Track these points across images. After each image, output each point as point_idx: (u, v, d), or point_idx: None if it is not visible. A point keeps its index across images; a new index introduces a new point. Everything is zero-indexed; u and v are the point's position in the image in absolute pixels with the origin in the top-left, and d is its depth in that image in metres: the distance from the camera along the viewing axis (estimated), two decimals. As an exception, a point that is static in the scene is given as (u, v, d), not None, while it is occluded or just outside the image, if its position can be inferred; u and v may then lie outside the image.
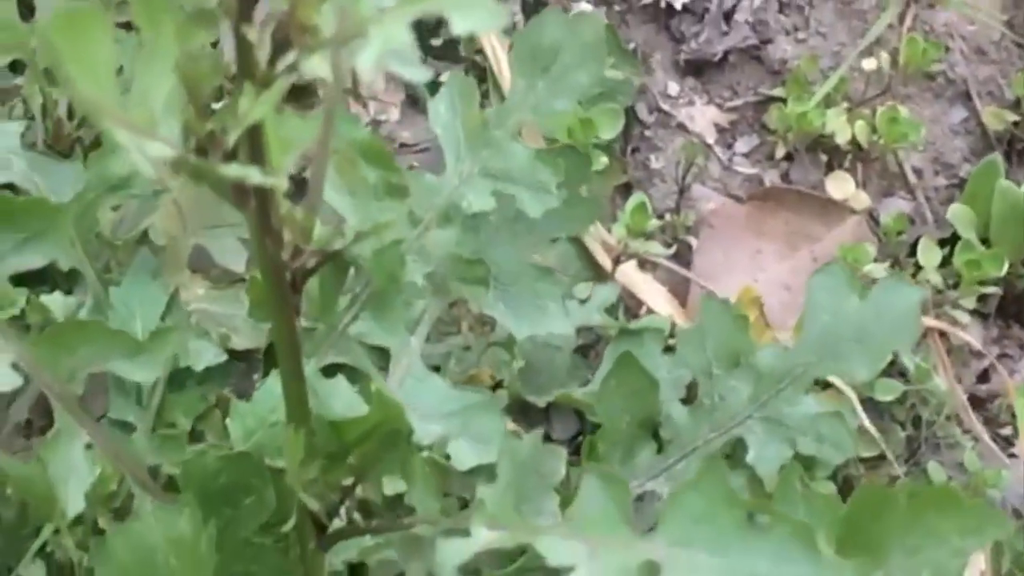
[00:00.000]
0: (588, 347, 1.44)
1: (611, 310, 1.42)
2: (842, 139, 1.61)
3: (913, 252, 1.58)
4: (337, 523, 1.03)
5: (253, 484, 1.01)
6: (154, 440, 1.00)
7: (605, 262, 1.54)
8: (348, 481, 0.98)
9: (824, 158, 1.65)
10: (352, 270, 1.24)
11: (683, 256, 1.61)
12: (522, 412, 1.36)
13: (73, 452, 0.98)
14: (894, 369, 1.47)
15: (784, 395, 1.23)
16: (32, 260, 1.04)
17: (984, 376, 1.54)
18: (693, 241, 1.61)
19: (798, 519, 0.82)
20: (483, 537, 0.89)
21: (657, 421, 1.27)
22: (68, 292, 1.26)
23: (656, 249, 1.54)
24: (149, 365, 0.99)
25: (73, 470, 0.97)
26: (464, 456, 1.21)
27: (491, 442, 1.22)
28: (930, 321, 1.49)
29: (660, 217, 1.61)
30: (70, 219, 1.04)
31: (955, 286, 1.52)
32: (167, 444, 1.00)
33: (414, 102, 1.64)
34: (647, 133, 1.67)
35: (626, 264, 1.55)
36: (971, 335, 1.54)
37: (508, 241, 1.28)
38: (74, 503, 0.95)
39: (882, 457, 1.47)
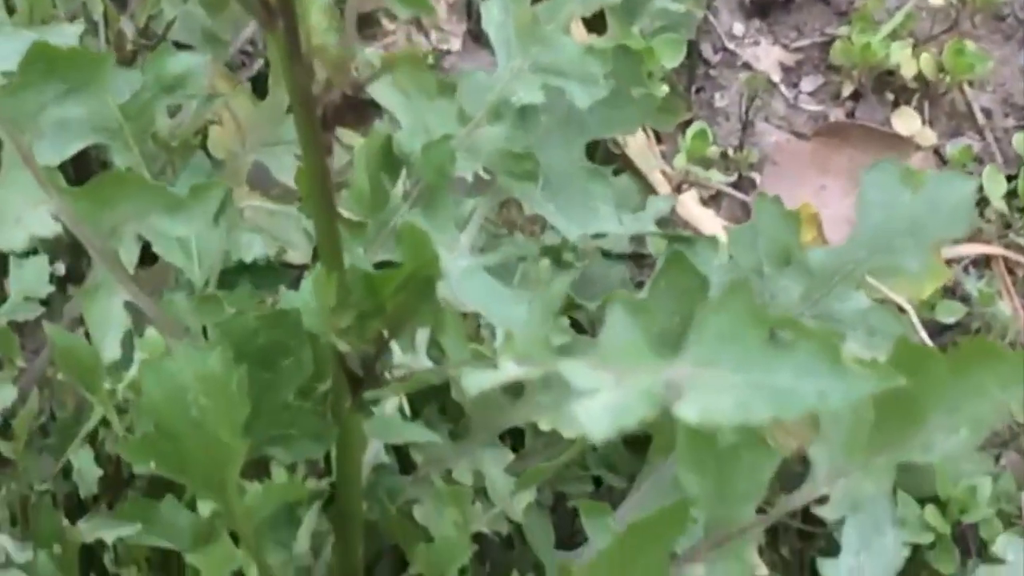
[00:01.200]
0: (642, 258, 1.43)
1: (666, 226, 1.41)
2: (908, 73, 1.59)
3: (979, 186, 1.55)
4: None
5: (291, 345, 1.01)
6: (193, 301, 1.01)
7: (666, 192, 1.53)
8: (383, 332, 0.97)
9: (891, 96, 1.64)
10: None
11: (746, 193, 1.60)
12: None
13: (112, 306, 0.99)
14: (957, 295, 1.45)
15: (836, 292, 1.21)
16: (73, 111, 1.05)
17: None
18: (757, 178, 1.60)
19: (824, 332, 0.80)
20: (509, 370, 0.88)
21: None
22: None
23: (717, 177, 1.53)
24: (189, 220, 1.00)
25: (111, 322, 0.98)
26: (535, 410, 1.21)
27: (565, 399, 1.21)
28: (995, 248, 1.47)
29: (724, 156, 1.60)
30: (110, 70, 1.05)
31: (1021, 212, 1.49)
32: (206, 305, 1.00)
33: (476, 37, 1.64)
34: (712, 72, 1.67)
35: (687, 197, 1.54)
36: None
37: (559, 142, 1.27)
38: (110, 350, 0.96)
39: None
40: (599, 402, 0.81)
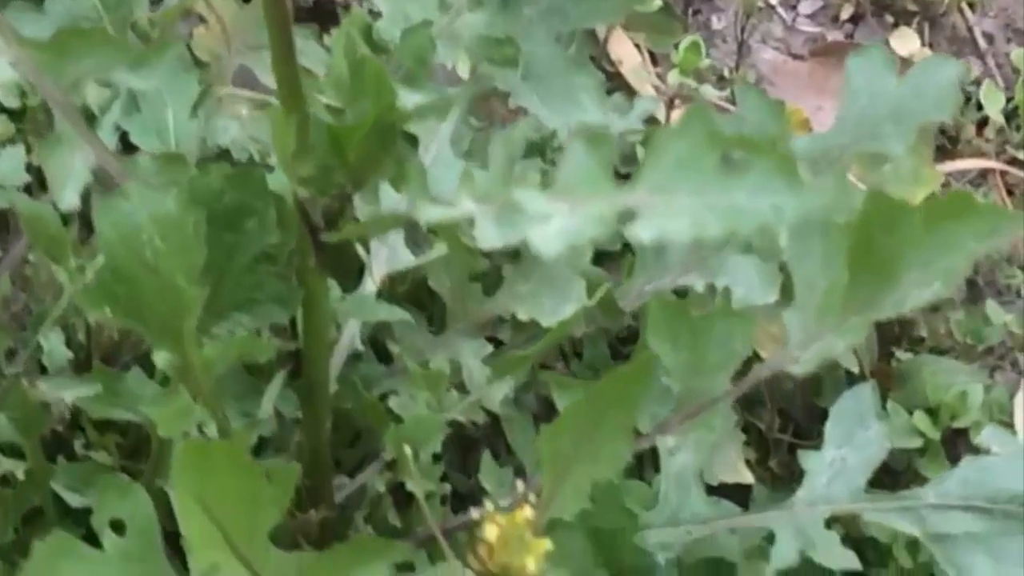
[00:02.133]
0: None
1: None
2: (908, -8, 1.57)
3: (980, 106, 1.53)
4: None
5: (256, 205, 1.00)
6: (159, 160, 0.99)
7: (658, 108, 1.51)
8: (346, 185, 0.96)
9: (890, 19, 1.62)
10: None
11: (742, 113, 1.57)
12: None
13: (73, 160, 0.98)
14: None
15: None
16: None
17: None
18: (753, 99, 1.57)
19: (781, 151, 0.78)
20: (466, 206, 0.86)
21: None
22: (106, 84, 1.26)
23: (709, 92, 1.51)
24: (152, 75, 0.98)
25: (71, 175, 0.96)
26: (489, 237, 1.18)
27: (519, 225, 1.19)
28: (992, 163, 1.44)
29: (720, 78, 1.58)
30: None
31: (1019, 128, 1.46)
32: (171, 165, 0.99)
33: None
34: (709, -6, 1.65)
35: (679, 113, 1.52)
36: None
37: (542, 33, 1.25)
38: (69, 199, 0.95)
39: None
40: (553, 226, 0.79)
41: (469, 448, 1.27)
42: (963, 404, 1.29)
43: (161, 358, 0.94)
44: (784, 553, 1.12)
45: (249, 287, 1.01)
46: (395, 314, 1.14)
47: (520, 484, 0.90)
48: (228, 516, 0.88)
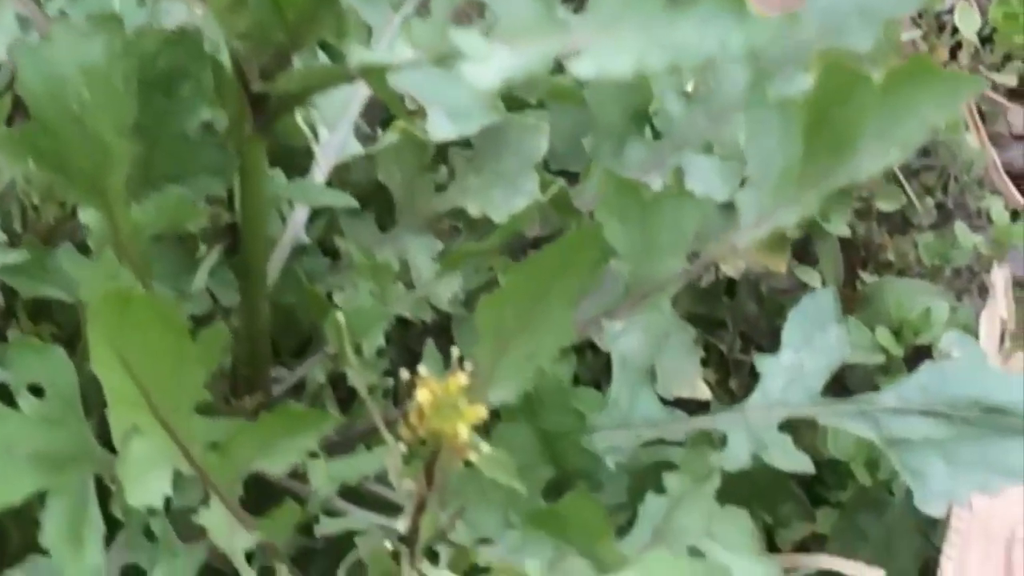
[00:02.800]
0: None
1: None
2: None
3: (955, 30, 1.49)
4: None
5: (191, 68, 0.96)
6: (91, 20, 0.95)
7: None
8: (284, 43, 0.92)
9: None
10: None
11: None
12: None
13: (2, 15, 0.94)
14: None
15: (783, 75, 1.15)
16: None
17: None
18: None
19: None
20: (404, 53, 0.82)
21: (650, 114, 1.19)
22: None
23: None
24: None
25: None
26: (440, 128, 1.15)
27: (470, 116, 1.16)
28: (964, 84, 1.40)
29: None
30: None
31: (993, 48, 1.43)
32: (105, 24, 0.95)
33: None
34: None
35: None
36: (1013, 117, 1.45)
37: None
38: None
39: (909, 223, 1.39)
40: (491, 64, 0.75)
41: (419, 350, 1.23)
42: (927, 321, 1.26)
43: (87, 215, 0.90)
44: (736, 455, 1.08)
45: (184, 156, 0.98)
46: (340, 199, 1.10)
47: (456, 350, 0.86)
48: (149, 375, 0.84)
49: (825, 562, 1.16)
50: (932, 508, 1.06)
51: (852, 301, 1.37)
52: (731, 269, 1.30)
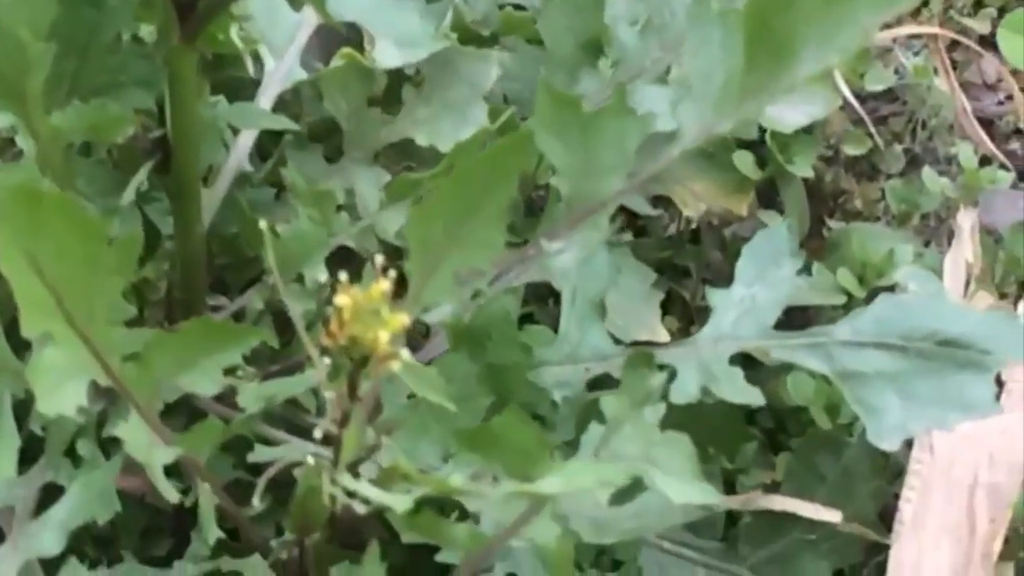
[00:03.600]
0: None
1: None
2: None
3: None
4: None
5: (119, -23, 0.93)
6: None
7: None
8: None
9: None
10: None
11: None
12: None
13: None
14: (891, 69, 1.36)
15: (740, 3, 1.12)
16: None
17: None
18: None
19: None
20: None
21: (603, 43, 1.17)
22: None
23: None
24: None
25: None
26: (388, 56, 1.12)
27: (418, 44, 1.13)
28: (935, 28, 1.38)
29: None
30: None
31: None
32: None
33: None
34: None
35: None
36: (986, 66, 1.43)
37: None
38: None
39: (876, 170, 1.36)
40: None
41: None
42: (890, 263, 1.23)
43: (5, 120, 0.87)
44: (685, 388, 1.06)
45: (112, 68, 0.96)
46: (280, 123, 1.08)
47: (380, 258, 0.83)
48: (62, 279, 0.81)
49: (779, 503, 1.13)
50: (886, 443, 1.03)
51: (820, 251, 1.35)
52: (692, 212, 1.27)
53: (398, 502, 0.81)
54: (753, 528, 1.14)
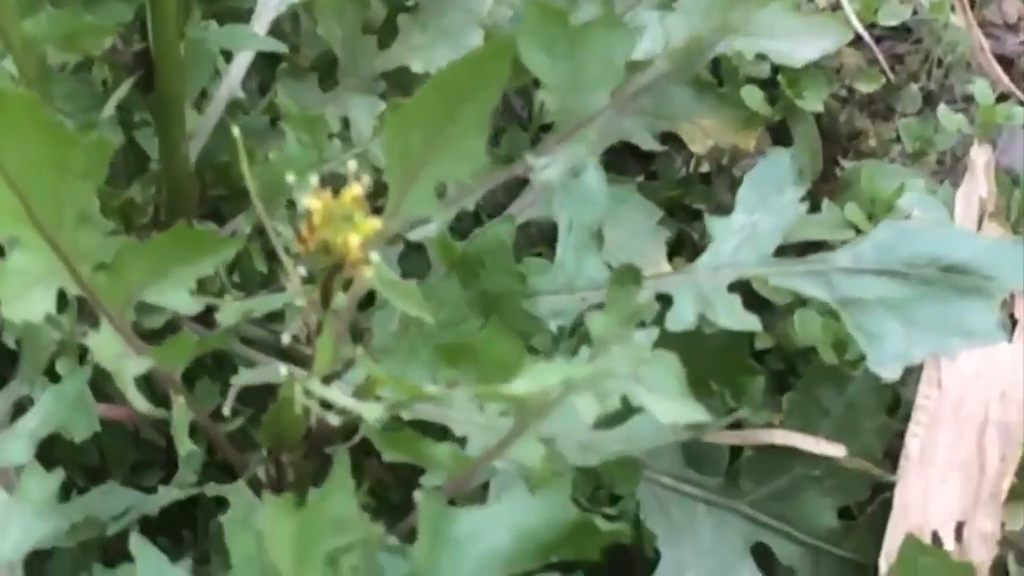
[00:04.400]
0: None
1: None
2: None
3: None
4: None
5: None
6: None
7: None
8: None
9: None
10: None
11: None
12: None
13: None
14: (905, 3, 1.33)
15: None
16: None
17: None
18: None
19: None
20: None
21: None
22: None
23: None
24: None
25: None
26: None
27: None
28: (952, -35, 1.34)
29: None
30: None
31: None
32: None
33: None
34: None
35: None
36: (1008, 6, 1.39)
37: None
38: None
39: (891, 109, 1.33)
40: None
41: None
42: (898, 196, 1.20)
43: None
44: (681, 315, 1.04)
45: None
46: (271, 45, 1.06)
47: (353, 163, 0.82)
48: (29, 182, 0.80)
49: (781, 437, 1.10)
50: (887, 370, 1.00)
51: (832, 193, 1.32)
52: (699, 148, 1.24)
53: (370, 410, 0.79)
54: (755, 463, 1.11)
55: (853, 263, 1.03)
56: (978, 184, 1.21)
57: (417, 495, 0.75)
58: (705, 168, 1.36)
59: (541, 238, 1.28)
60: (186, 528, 1.12)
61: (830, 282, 1.02)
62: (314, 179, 0.81)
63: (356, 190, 0.81)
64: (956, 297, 1.00)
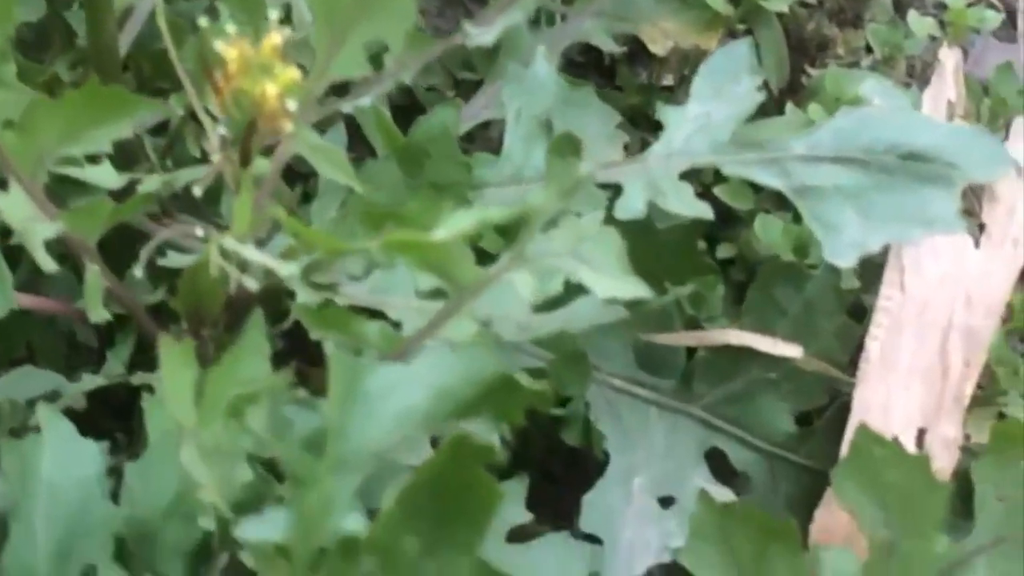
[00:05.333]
0: None
1: None
2: None
3: None
4: None
5: None
6: None
7: None
8: None
9: None
10: None
11: None
12: None
13: None
14: None
15: None
16: None
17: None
18: None
19: None
20: None
21: None
22: None
23: None
24: None
25: None
26: None
27: None
28: None
29: None
30: None
31: None
32: None
33: None
34: None
35: None
36: None
37: None
38: None
39: (860, 17, 1.29)
40: None
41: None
42: (863, 100, 1.15)
43: None
44: (630, 203, 1.00)
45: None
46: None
47: (275, 13, 0.77)
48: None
49: (736, 337, 1.07)
50: (842, 259, 0.97)
51: (799, 102, 1.28)
52: (659, 49, 1.20)
53: (285, 267, 0.75)
54: (709, 365, 1.07)
55: (810, 151, 0.99)
56: (946, 86, 1.16)
57: (328, 346, 0.71)
58: (669, 82, 1.33)
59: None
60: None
61: (786, 170, 0.99)
62: (231, 27, 0.77)
63: (275, 39, 0.77)
64: (916, 185, 0.97)
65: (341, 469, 0.68)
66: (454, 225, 0.70)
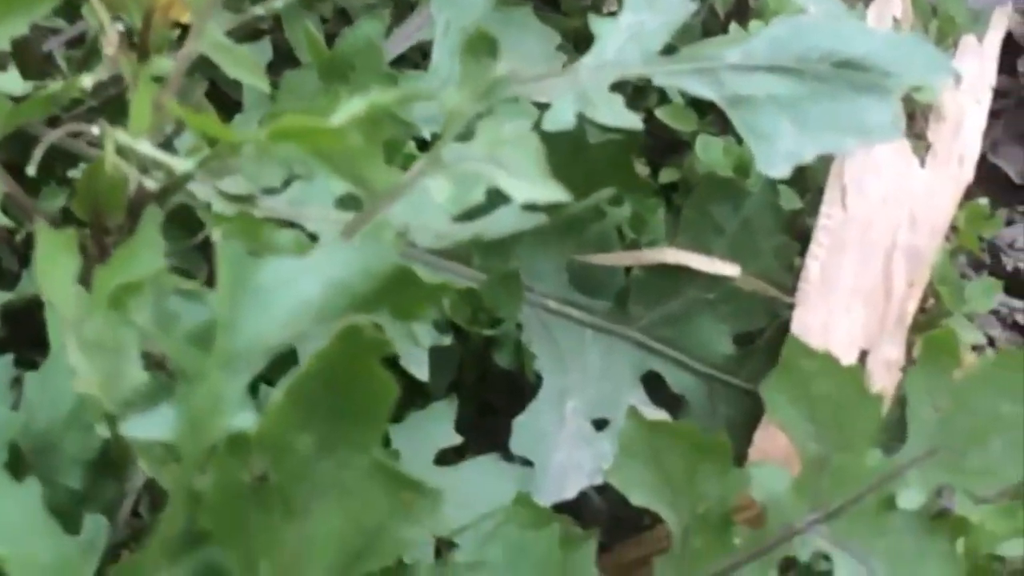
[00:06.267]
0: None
1: None
2: None
3: None
4: None
5: None
6: None
7: None
8: None
9: None
10: None
11: None
12: None
13: None
14: None
15: None
16: None
17: None
18: None
19: None
20: None
21: None
22: None
23: None
24: None
25: None
26: None
27: None
28: None
29: None
30: None
31: None
32: None
33: None
34: None
35: None
36: None
37: None
38: None
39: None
40: None
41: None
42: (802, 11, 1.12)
43: None
44: (559, 114, 0.96)
45: None
46: None
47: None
48: None
49: (672, 256, 1.04)
50: (776, 170, 0.94)
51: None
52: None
53: (181, 163, 0.72)
54: (645, 286, 1.05)
55: (743, 60, 0.96)
56: (891, 2, 1.14)
57: (215, 235, 0.68)
58: (614, 8, 1.30)
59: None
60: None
61: (719, 80, 0.96)
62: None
63: (170, -76, 0.73)
64: (852, 94, 0.94)
65: (231, 364, 0.65)
66: (347, 110, 0.67)
